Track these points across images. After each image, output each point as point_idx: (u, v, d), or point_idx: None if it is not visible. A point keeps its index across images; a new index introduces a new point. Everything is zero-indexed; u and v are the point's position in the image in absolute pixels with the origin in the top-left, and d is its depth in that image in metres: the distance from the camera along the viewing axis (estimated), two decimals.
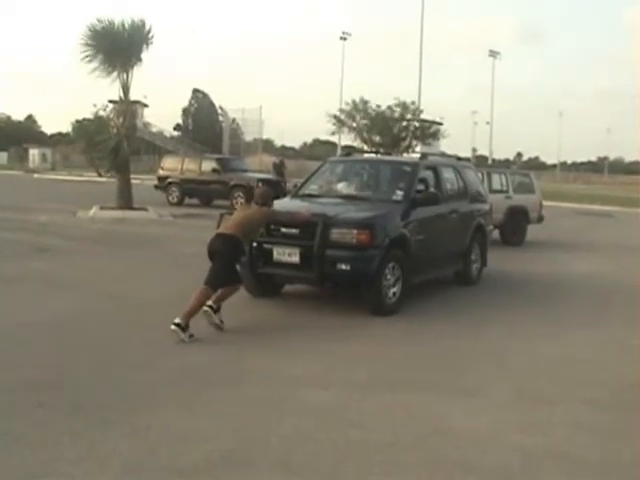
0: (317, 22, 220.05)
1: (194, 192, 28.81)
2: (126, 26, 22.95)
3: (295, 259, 9.28)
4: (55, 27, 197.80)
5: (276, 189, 26.30)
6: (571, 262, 15.75)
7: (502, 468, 4.83)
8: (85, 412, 5.55)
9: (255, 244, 9.33)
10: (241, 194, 26.48)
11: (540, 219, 19.69)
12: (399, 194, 10.63)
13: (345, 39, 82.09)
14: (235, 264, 8.63)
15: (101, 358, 7.10)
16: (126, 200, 23.15)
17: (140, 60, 23.09)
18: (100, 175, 46.90)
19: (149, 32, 23.23)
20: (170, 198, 28.64)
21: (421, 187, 10.92)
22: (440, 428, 5.51)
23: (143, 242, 16.53)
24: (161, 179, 29.57)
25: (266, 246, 9.42)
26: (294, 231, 9.36)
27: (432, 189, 11.11)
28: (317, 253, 9.06)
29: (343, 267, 9.06)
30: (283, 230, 9.41)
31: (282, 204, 10.37)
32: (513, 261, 15.12)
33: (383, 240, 9.36)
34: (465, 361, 7.53)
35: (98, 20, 22.77)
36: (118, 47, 22.40)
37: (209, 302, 8.15)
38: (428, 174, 11.39)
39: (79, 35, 22.57)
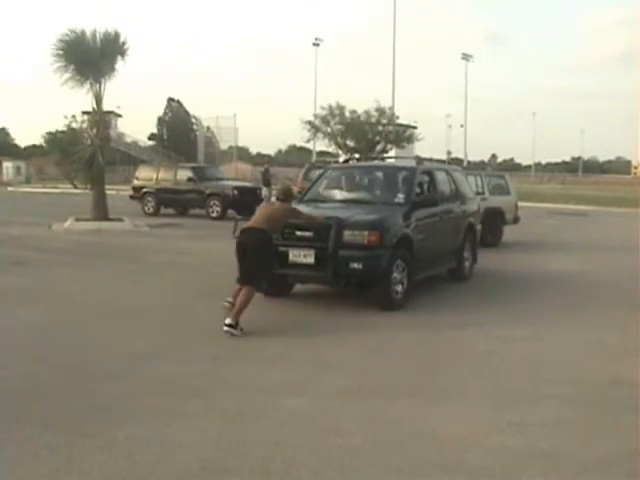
0: (289, 29, 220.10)
1: (170, 202, 28.63)
2: (98, 37, 22.83)
3: (310, 260, 9.81)
4: (26, 38, 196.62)
5: (251, 196, 26.49)
6: (547, 262, 15.84)
7: (483, 469, 4.84)
8: (62, 425, 5.50)
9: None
10: (217, 202, 26.49)
11: (516, 220, 19.86)
12: (400, 197, 11.34)
13: (318, 45, 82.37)
14: (268, 256, 9.05)
15: (77, 370, 7.05)
16: (101, 211, 22.99)
17: (114, 71, 22.98)
18: (75, 187, 46.49)
19: (124, 43, 23.12)
20: (146, 208, 28.45)
21: (418, 190, 11.55)
22: (419, 431, 5.52)
23: (119, 253, 16.44)
24: (136, 189, 29.35)
25: (282, 249, 9.82)
26: (308, 234, 9.86)
27: (428, 192, 11.82)
28: (331, 253, 9.61)
29: (355, 266, 9.66)
30: (298, 233, 9.90)
31: None
32: (492, 261, 15.15)
33: (391, 240, 10.00)
34: (445, 364, 7.55)
35: (70, 31, 22.63)
36: (90, 58, 22.25)
37: (227, 321, 8.46)
38: (424, 178, 12.06)
39: (51, 46, 22.44)
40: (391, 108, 50.78)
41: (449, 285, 12.49)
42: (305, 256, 9.85)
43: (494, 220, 18.80)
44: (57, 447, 5.06)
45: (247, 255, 8.86)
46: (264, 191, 29.41)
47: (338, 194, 12.00)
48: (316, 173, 25.15)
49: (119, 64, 23.06)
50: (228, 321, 8.44)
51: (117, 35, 23.07)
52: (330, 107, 49.06)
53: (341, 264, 9.66)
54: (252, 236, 8.91)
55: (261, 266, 8.92)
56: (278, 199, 9.64)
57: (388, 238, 9.94)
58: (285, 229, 9.80)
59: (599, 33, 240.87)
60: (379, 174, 12.80)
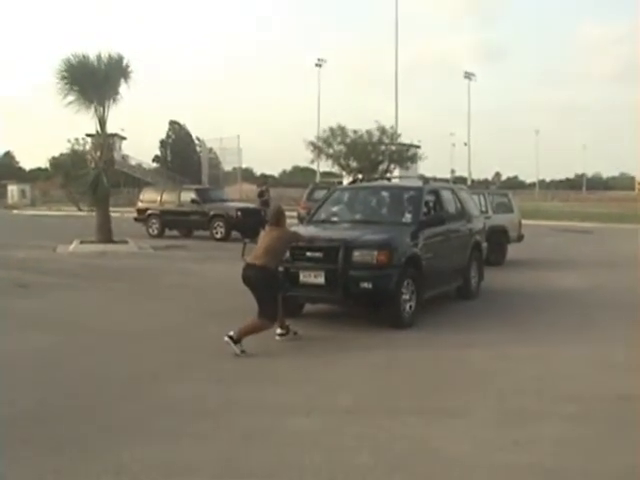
0: (292, 50, 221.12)
1: (174, 223, 28.65)
2: (102, 60, 22.98)
3: (320, 280, 9.92)
4: (30, 59, 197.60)
5: (255, 217, 26.50)
6: (553, 279, 15.80)
7: None
8: (69, 447, 5.50)
9: (282, 269, 9.75)
10: (221, 224, 26.55)
11: (520, 238, 19.83)
12: (408, 217, 11.45)
13: (320, 66, 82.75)
14: (274, 294, 9.02)
15: (84, 392, 7.06)
16: (106, 234, 23.04)
17: (117, 94, 23.11)
18: (79, 209, 46.81)
19: (127, 67, 23.28)
20: (150, 230, 28.45)
21: (425, 210, 11.67)
22: (425, 450, 5.51)
23: (124, 275, 16.45)
24: (140, 211, 29.38)
25: (292, 270, 9.96)
26: (318, 254, 10.02)
27: (435, 211, 11.96)
28: (341, 274, 9.74)
29: (365, 285, 9.75)
30: (308, 254, 10.04)
31: (302, 231, 10.69)
32: (498, 279, 15.13)
33: (400, 259, 10.11)
34: (451, 382, 7.54)
35: (73, 55, 22.81)
36: (94, 81, 22.39)
37: (230, 332, 8.53)
38: (431, 197, 12.19)
39: (55, 69, 22.61)
40: (393, 127, 50.85)
41: (456, 303, 12.49)
42: (315, 276, 9.95)
43: (498, 238, 18.76)
44: (63, 470, 5.06)
45: (254, 291, 8.98)
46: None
47: (346, 214, 12.11)
48: (320, 194, 25.35)
49: (123, 87, 23.22)
50: (231, 333, 8.51)
51: (121, 58, 23.24)
52: (331, 129, 49.10)
53: (351, 284, 9.77)
54: (255, 274, 8.91)
55: (269, 302, 8.90)
56: (271, 224, 9.44)
57: (397, 257, 10.03)
58: (295, 250, 9.90)
59: (600, 48, 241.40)
60: (386, 194, 12.83)
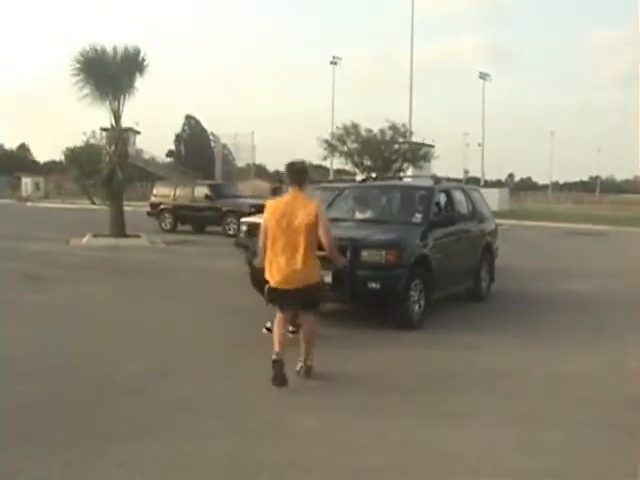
0: (308, 48, 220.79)
1: (186, 218, 28.74)
2: (118, 54, 23.04)
3: (328, 279, 9.60)
4: (46, 50, 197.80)
5: None
6: (565, 283, 15.70)
7: None
8: (77, 441, 5.51)
9: None
10: (234, 220, 26.56)
11: None
12: (418, 217, 11.32)
13: (335, 64, 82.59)
14: None
15: (93, 386, 7.07)
16: (119, 228, 23.12)
17: (132, 88, 23.16)
18: (93, 203, 47.02)
19: (143, 60, 23.32)
20: (163, 225, 28.57)
21: (436, 209, 11.62)
22: (434, 451, 5.49)
23: (136, 270, 16.50)
24: (153, 206, 29.50)
25: None
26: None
27: (446, 211, 11.90)
28: (349, 273, 9.52)
29: (373, 285, 9.70)
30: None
31: None
32: (509, 282, 15.07)
33: (409, 259, 10.02)
34: (459, 384, 7.51)
35: (89, 47, 22.88)
36: (109, 75, 22.46)
37: (267, 324, 8.86)
38: (442, 197, 12.12)
39: (70, 62, 22.68)
40: (404, 125, 50.67)
41: (466, 305, 12.42)
42: (323, 276, 9.82)
43: None
44: (71, 464, 5.06)
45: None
46: None
47: (356, 213, 12.01)
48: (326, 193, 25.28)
49: (138, 81, 23.27)
50: (268, 325, 8.77)
51: (137, 52, 23.27)
52: (345, 127, 49.09)
53: (359, 284, 9.70)
54: None
55: None
56: None
57: (406, 257, 9.95)
58: None
59: (615, 51, 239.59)
60: (397, 193, 12.77)
